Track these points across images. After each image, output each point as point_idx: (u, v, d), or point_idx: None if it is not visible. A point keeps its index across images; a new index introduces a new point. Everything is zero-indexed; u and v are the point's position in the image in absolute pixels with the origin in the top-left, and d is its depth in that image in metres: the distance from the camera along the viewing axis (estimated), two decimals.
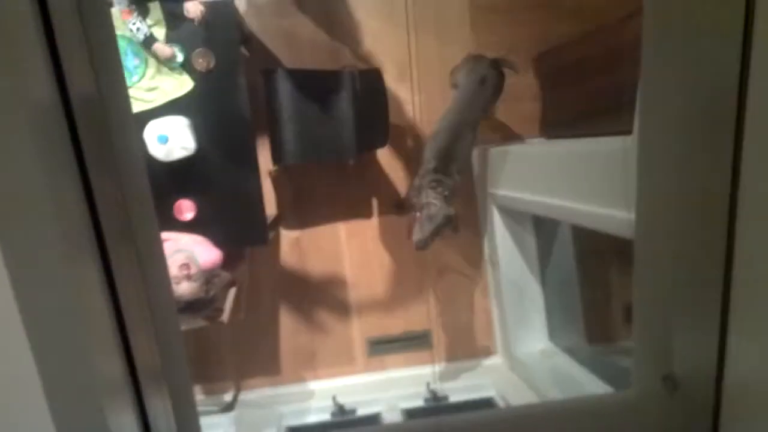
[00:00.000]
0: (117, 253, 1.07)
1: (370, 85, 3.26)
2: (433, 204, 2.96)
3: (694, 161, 1.12)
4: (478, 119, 3.20)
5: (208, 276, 2.82)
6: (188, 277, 2.71)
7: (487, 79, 3.14)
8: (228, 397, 3.70)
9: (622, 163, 1.68)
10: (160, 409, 1.21)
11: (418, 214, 3.00)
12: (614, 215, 1.94)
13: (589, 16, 3.32)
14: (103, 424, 0.95)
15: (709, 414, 1.16)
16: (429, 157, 3.05)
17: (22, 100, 0.87)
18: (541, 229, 3.45)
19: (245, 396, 3.76)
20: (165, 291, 1.22)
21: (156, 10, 2.94)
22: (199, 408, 3.30)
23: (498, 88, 3.20)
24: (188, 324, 3.04)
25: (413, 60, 3.59)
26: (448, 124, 3.09)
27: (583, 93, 2.97)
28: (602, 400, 1.54)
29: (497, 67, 3.16)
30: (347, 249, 3.73)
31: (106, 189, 1.05)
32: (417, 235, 2.96)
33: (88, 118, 1.02)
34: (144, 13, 2.93)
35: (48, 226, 0.87)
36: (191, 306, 2.76)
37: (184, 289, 2.71)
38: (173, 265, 2.73)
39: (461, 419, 1.42)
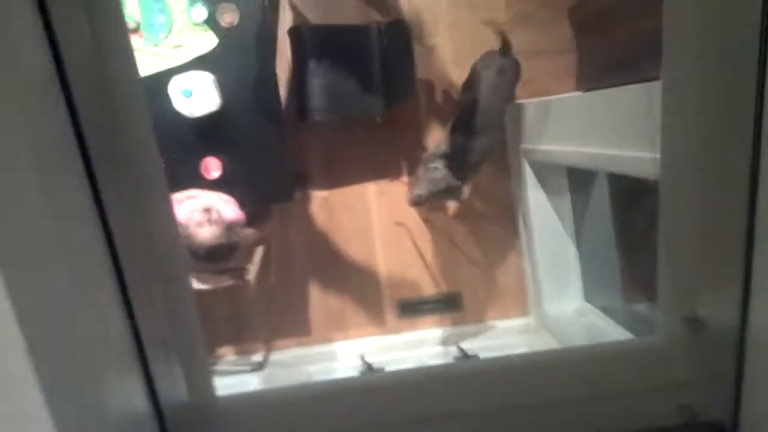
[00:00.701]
0: (121, 213, 1.04)
1: (397, 39, 3.18)
2: (439, 169, 2.91)
3: (716, 99, 1.08)
4: (503, 111, 3.14)
5: (230, 225, 2.79)
6: (210, 222, 2.69)
7: (505, 68, 3.05)
8: (258, 357, 3.71)
9: (650, 108, 1.63)
10: (168, 373, 1.17)
11: (421, 170, 2.94)
12: (643, 157, 1.87)
13: None
14: (102, 390, 0.91)
15: (734, 358, 1.11)
16: (443, 144, 3.03)
17: (10, 71, 0.81)
18: (577, 186, 3.35)
19: (275, 356, 3.75)
20: (175, 249, 1.18)
21: None
22: (230, 368, 3.33)
23: (516, 74, 3.12)
24: (214, 283, 3.04)
25: (443, 11, 3.50)
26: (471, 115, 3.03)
27: (619, 41, 2.86)
28: (627, 345, 1.49)
29: (508, 53, 3.06)
30: (376, 209, 3.68)
31: (106, 150, 1.01)
32: (416, 190, 2.95)
33: (89, 84, 0.98)
34: None
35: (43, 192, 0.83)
36: (213, 254, 2.72)
37: (205, 234, 2.68)
38: (195, 211, 2.72)
39: (483, 364, 1.38)
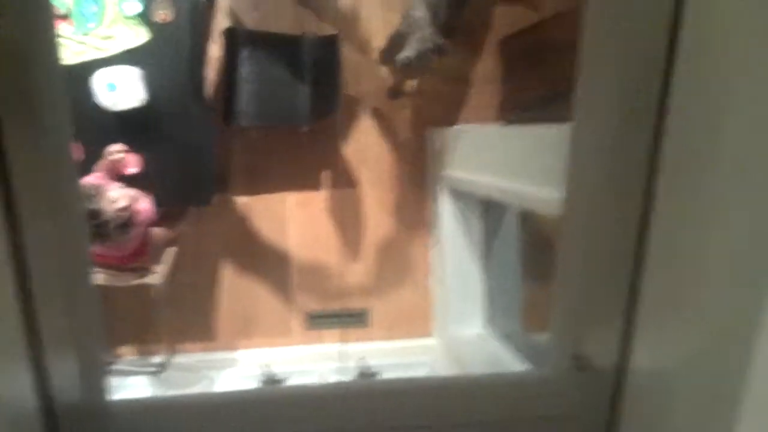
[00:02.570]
0: (27, 199, 1.02)
1: (329, 52, 3.22)
2: (426, 28, 2.87)
3: (617, 148, 1.14)
4: None
5: (133, 201, 2.76)
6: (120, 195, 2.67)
7: None
8: (160, 359, 3.65)
9: (561, 148, 1.71)
10: (63, 370, 1.16)
11: (402, 30, 2.95)
12: (549, 196, 1.97)
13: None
14: None
15: (610, 396, 1.18)
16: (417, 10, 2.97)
17: None
18: (490, 216, 3.46)
19: (178, 359, 3.71)
20: (81, 241, 1.17)
21: None
22: (131, 368, 3.26)
23: None
24: (120, 281, 2.99)
25: (371, 32, 3.57)
26: None
27: (543, 79, 2.98)
28: (519, 376, 1.55)
29: None
30: (293, 219, 3.70)
31: (20, 140, 1.01)
32: (404, 52, 2.86)
33: (11, 68, 0.98)
34: None
35: None
36: (100, 227, 2.65)
37: (111, 197, 2.65)
38: (114, 185, 2.71)
39: (382, 385, 1.42)
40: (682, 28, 1.03)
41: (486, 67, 3.59)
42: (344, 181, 3.69)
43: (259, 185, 3.64)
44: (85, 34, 2.91)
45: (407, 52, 2.84)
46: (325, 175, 3.68)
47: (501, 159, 2.67)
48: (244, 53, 3.10)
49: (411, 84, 3.58)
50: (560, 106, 2.62)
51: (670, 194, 1.04)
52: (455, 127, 3.47)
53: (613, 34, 1.12)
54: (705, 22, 0.98)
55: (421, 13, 2.92)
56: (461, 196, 3.39)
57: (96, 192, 2.60)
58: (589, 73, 1.19)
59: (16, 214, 1.00)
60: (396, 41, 2.97)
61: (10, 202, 0.99)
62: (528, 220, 3.28)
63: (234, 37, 3.11)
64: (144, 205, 2.84)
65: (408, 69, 2.95)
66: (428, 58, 2.87)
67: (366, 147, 3.63)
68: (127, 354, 3.73)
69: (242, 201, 3.64)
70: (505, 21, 3.52)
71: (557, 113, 2.56)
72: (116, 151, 2.90)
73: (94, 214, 2.56)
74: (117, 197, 2.66)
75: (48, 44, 1.06)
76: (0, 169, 0.97)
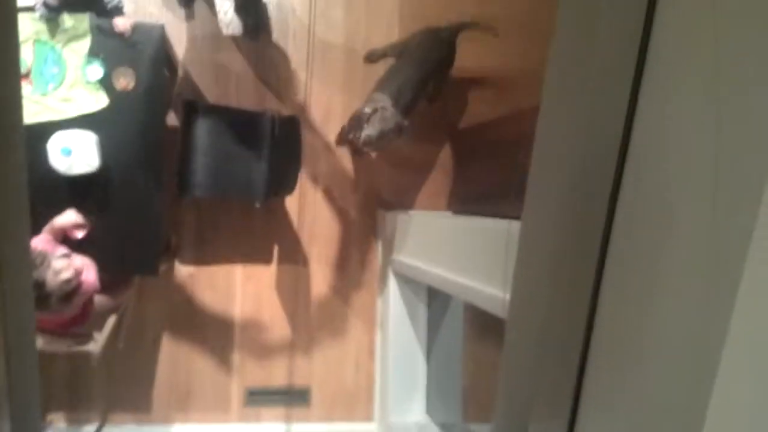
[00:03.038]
0: None
1: (288, 132, 3.26)
2: (388, 109, 2.99)
3: (564, 252, 1.17)
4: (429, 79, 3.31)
5: (78, 273, 2.69)
6: (64, 264, 2.60)
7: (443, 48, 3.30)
8: (91, 428, 3.53)
9: (506, 246, 1.74)
10: None
11: (367, 110, 3.01)
12: (494, 294, 1.99)
13: (513, 101, 3.48)
14: None
15: None
16: (381, 93, 3.11)
17: None
18: (435, 302, 3.49)
19: (111, 431, 3.58)
20: (24, 305, 1.16)
21: (83, 23, 2.89)
22: None
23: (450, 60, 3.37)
24: (59, 347, 2.91)
25: (330, 114, 3.65)
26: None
27: (491, 174, 3.06)
28: None
29: (454, 36, 3.31)
30: (241, 292, 3.67)
31: None
32: (366, 130, 2.96)
33: None
34: None
35: None
36: (42, 297, 2.58)
37: (56, 267, 2.57)
38: (57, 250, 2.65)
39: None
40: (633, 133, 1.08)
41: (439, 155, 3.67)
42: (294, 257, 3.69)
43: (208, 256, 3.62)
44: (44, 95, 2.90)
45: (369, 131, 2.95)
46: (276, 250, 3.67)
47: (448, 249, 2.71)
48: (203, 126, 3.12)
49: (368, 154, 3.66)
50: (507, 203, 2.70)
51: (615, 294, 1.07)
52: (405, 211, 3.52)
53: (566, 135, 1.16)
54: (655, 129, 1.03)
55: (384, 94, 3.05)
56: (409, 280, 3.41)
57: (41, 260, 2.54)
58: (540, 173, 1.23)
59: None
60: (357, 121, 3.05)
61: None
62: (471, 308, 3.31)
63: (193, 110, 3.14)
64: (89, 275, 2.79)
65: (369, 146, 3.06)
66: (389, 137, 2.99)
67: (318, 225, 3.65)
68: (59, 421, 3.59)
69: (189, 271, 3.61)
70: (462, 113, 3.63)
71: (504, 209, 2.64)
72: (70, 219, 2.86)
73: (38, 285, 2.49)
74: (61, 268, 2.61)
75: (13, 103, 1.07)
76: None
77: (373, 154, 3.67)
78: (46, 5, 2.81)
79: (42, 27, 2.87)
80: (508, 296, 1.33)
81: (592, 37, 1.11)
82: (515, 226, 1.52)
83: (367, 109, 3.00)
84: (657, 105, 1.05)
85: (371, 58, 3.63)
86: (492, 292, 2.04)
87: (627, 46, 1.09)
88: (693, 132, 0.95)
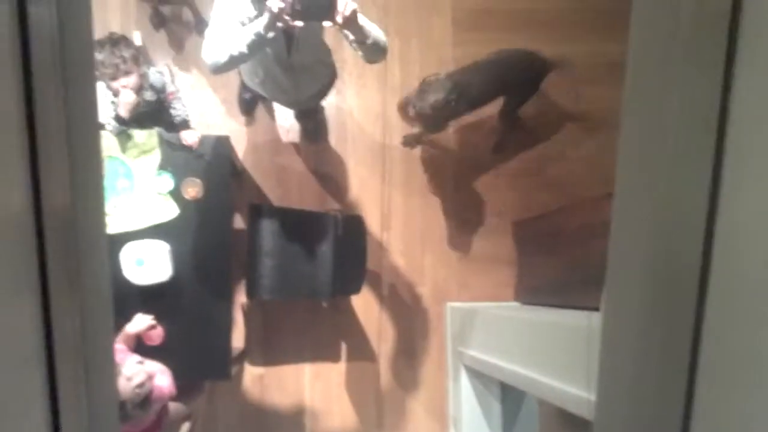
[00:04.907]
0: (66, 375, 1.06)
1: (351, 231, 3.31)
2: (446, 82, 3.05)
3: (652, 348, 1.14)
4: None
5: (148, 392, 2.71)
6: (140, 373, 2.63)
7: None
8: None
9: (587, 341, 1.69)
10: None
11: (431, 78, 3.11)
12: (576, 394, 1.93)
13: (569, 190, 3.49)
14: None
15: None
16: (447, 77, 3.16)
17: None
18: (509, 397, 3.41)
19: None
20: (110, 416, 1.19)
21: (152, 137, 3.02)
22: None
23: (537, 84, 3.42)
24: None
25: (391, 212, 3.70)
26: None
27: (559, 264, 3.03)
28: None
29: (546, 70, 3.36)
30: (310, 391, 3.66)
31: (65, 309, 1.05)
32: (433, 95, 3.04)
33: (59, 234, 1.04)
34: None
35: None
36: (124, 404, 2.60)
37: (121, 380, 2.59)
38: (133, 361, 2.67)
39: None
40: (718, 217, 1.05)
41: (503, 246, 3.67)
42: (362, 354, 3.68)
43: (277, 357, 3.64)
44: (114, 207, 3.01)
45: (435, 97, 3.03)
46: (344, 348, 3.68)
47: (519, 343, 2.67)
48: (268, 228, 3.18)
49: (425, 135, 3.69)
50: (577, 293, 2.66)
51: (710, 396, 1.03)
52: (472, 303, 3.50)
53: (645, 222, 1.14)
54: (741, 210, 1.01)
55: (449, 80, 3.13)
56: (480, 375, 3.36)
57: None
58: (619, 262, 1.20)
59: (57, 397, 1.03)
60: (419, 92, 3.16)
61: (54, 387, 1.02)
62: (549, 405, 3.23)
63: (258, 213, 3.21)
64: (163, 381, 2.82)
65: (434, 112, 3.08)
66: (452, 106, 3.05)
67: (385, 321, 3.66)
68: None
69: (259, 372, 3.63)
70: (525, 203, 3.65)
71: (573, 299, 2.60)
72: (144, 323, 2.92)
73: None
74: (133, 374, 2.65)
75: (98, 222, 1.13)
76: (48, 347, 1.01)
77: (426, 138, 3.73)
78: (117, 120, 2.94)
79: (113, 142, 3.00)
80: (592, 396, 1.29)
81: (664, 120, 1.11)
82: (594, 318, 1.50)
83: (431, 78, 3.12)
84: (740, 187, 1.03)
85: (408, 142, 3.73)
86: (572, 390, 1.98)
87: (704, 123, 1.08)
88: None
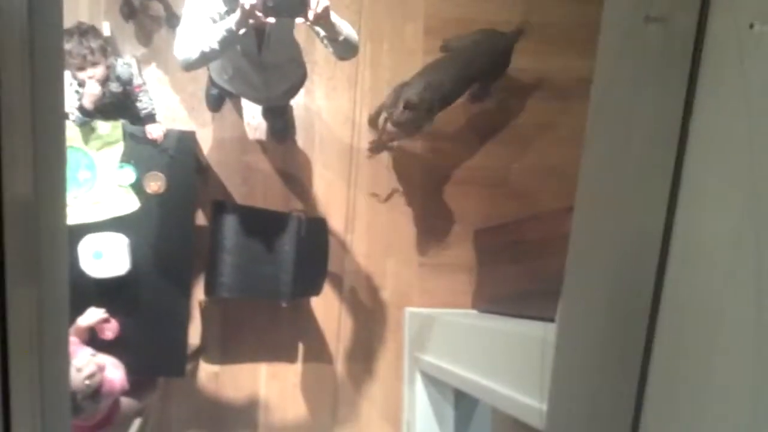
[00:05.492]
0: (19, 365, 1.04)
1: (314, 233, 3.31)
2: (423, 90, 3.04)
3: (605, 360, 1.15)
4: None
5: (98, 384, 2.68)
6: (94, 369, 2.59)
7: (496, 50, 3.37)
8: None
9: (541, 351, 1.71)
10: None
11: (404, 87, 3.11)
12: (529, 403, 1.95)
13: (533, 201, 3.53)
14: None
15: None
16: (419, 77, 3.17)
17: None
18: (462, 403, 3.43)
19: None
20: (62, 412, 1.18)
21: (117, 129, 2.98)
22: None
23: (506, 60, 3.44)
24: None
25: (355, 215, 3.72)
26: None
27: (517, 274, 3.06)
28: None
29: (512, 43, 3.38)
30: (266, 391, 3.65)
31: (21, 299, 1.04)
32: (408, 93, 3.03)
33: (19, 223, 1.03)
34: None
35: None
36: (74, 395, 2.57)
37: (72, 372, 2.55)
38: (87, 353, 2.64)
39: None
40: (672, 238, 1.07)
41: (463, 253, 3.70)
42: (320, 355, 3.69)
43: (233, 355, 3.62)
44: (75, 198, 2.96)
45: (410, 95, 3.03)
46: (301, 349, 3.67)
47: (475, 351, 2.69)
48: (230, 226, 3.17)
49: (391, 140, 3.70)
50: (533, 303, 2.69)
51: (660, 403, 1.05)
52: (431, 309, 3.52)
53: (604, 238, 1.16)
54: (695, 235, 1.03)
55: (422, 79, 3.15)
56: (436, 381, 3.37)
57: None
58: (576, 276, 1.22)
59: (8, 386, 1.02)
60: (393, 96, 3.20)
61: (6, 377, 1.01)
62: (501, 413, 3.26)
63: (221, 210, 3.19)
64: (115, 374, 2.79)
65: (409, 114, 3.07)
66: (419, 116, 3.06)
67: (343, 324, 3.66)
68: None
69: (214, 370, 3.60)
70: (487, 212, 3.68)
71: (529, 309, 2.63)
72: (96, 316, 2.88)
73: None
74: (83, 365, 2.61)
75: (58, 212, 1.12)
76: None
77: (394, 143, 3.74)
78: (81, 111, 2.90)
79: (76, 133, 2.96)
80: (544, 406, 1.31)
81: (627, 138, 1.13)
82: (550, 329, 1.52)
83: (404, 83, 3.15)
84: (696, 204, 1.05)
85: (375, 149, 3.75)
86: (525, 400, 2.01)
87: (665, 141, 1.10)
88: (734, 236, 0.96)
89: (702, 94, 1.08)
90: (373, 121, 3.70)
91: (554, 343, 1.28)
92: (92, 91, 2.83)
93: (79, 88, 2.86)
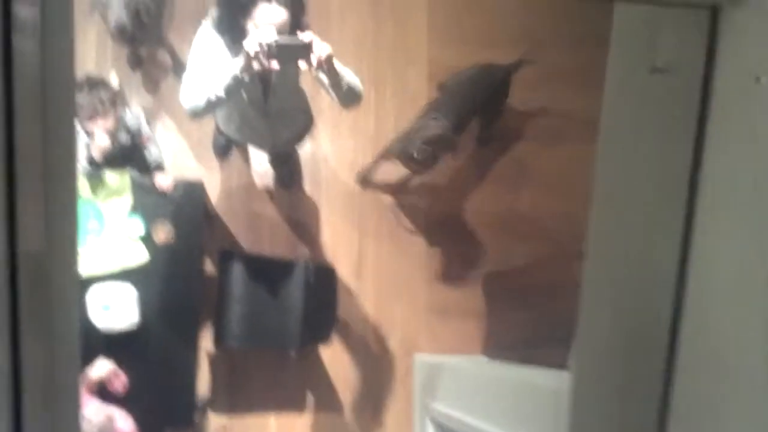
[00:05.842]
0: (32, 418, 1.03)
1: (322, 281, 3.30)
2: (439, 119, 3.10)
3: (622, 409, 1.14)
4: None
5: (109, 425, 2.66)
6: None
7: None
8: None
9: (555, 402, 1.69)
10: None
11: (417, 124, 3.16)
12: None
13: (542, 245, 3.51)
14: None
15: None
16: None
17: None
18: None
19: None
20: None
21: (125, 179, 2.99)
22: None
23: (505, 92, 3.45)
24: None
25: (363, 260, 3.70)
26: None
27: (528, 320, 3.03)
28: None
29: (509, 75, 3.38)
30: None
31: (34, 352, 1.04)
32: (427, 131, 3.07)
33: (32, 274, 1.02)
34: None
35: None
36: None
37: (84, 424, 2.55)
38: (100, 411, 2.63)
39: None
40: (687, 286, 1.06)
41: (474, 298, 3.67)
42: (329, 405, 3.64)
43: (242, 406, 3.57)
44: (83, 249, 2.96)
45: (430, 131, 3.07)
46: (310, 399, 3.62)
47: (485, 400, 2.65)
48: (238, 276, 3.16)
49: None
50: (543, 350, 2.66)
51: None
52: (440, 356, 3.48)
53: (617, 286, 1.14)
54: (709, 282, 1.02)
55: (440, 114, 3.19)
56: (446, 429, 3.31)
57: None
58: (589, 323, 1.20)
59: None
60: (405, 136, 3.22)
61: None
62: None
63: (228, 260, 3.20)
64: (125, 425, 2.76)
65: (429, 149, 3.09)
66: (439, 151, 3.09)
67: (353, 372, 3.62)
68: None
69: (222, 422, 3.55)
70: (497, 257, 3.66)
71: (540, 356, 2.59)
72: (104, 369, 2.86)
73: None
74: (92, 416, 2.60)
75: (71, 264, 1.11)
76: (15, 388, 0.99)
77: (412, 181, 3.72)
78: (90, 162, 2.91)
79: (83, 183, 2.96)
80: None
81: (637, 185, 1.13)
82: (564, 377, 1.49)
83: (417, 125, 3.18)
84: (710, 249, 1.05)
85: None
86: None
87: (674, 197, 1.10)
88: (746, 288, 0.95)
89: (711, 144, 1.08)
90: (362, 179, 3.73)
91: (569, 393, 1.25)
92: (101, 143, 2.84)
93: (87, 140, 2.88)
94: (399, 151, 3.27)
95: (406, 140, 3.17)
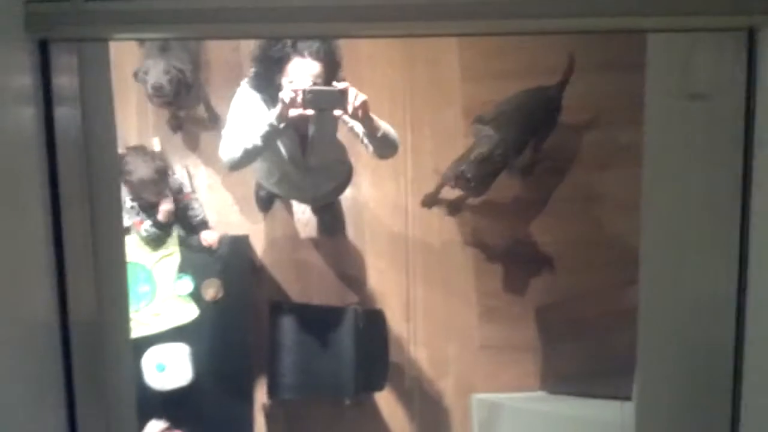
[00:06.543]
0: None
1: (373, 325, 3.28)
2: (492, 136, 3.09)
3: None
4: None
5: None
6: None
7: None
8: None
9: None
10: None
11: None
12: None
13: (592, 275, 3.45)
14: None
15: None
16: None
17: (18, 319, 0.88)
18: None
19: None
20: None
21: (172, 240, 3.04)
22: None
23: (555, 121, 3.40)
24: None
25: (412, 303, 3.68)
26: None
27: (584, 351, 2.97)
28: None
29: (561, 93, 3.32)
30: None
31: (90, 418, 1.04)
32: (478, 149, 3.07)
33: (85, 342, 1.04)
34: None
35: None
36: None
37: None
38: None
39: None
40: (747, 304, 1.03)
41: (527, 332, 3.62)
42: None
43: None
44: (136, 311, 3.00)
45: (481, 149, 3.07)
46: None
47: None
48: (288, 326, 3.17)
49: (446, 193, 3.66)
50: (604, 382, 2.59)
51: None
52: (498, 394, 3.42)
53: (674, 313, 1.11)
54: None
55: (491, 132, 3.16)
56: None
57: None
58: (649, 354, 1.17)
59: None
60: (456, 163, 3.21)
61: None
62: None
63: (278, 311, 3.20)
64: None
65: (478, 166, 3.07)
66: (496, 169, 3.10)
67: (411, 417, 3.57)
68: None
69: None
70: (548, 288, 3.61)
71: (601, 388, 2.53)
72: (157, 429, 2.87)
73: None
74: None
75: (123, 330, 1.12)
76: None
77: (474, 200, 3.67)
78: (157, 225, 2.98)
79: (133, 248, 3.00)
80: None
81: (687, 199, 1.11)
82: (626, 408, 1.45)
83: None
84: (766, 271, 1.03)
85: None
86: None
87: (726, 222, 1.08)
88: None
89: (759, 167, 1.06)
90: (427, 202, 3.72)
91: (633, 425, 1.22)
92: (166, 207, 2.96)
93: (133, 203, 2.94)
94: (453, 172, 3.24)
95: (460, 161, 3.16)
